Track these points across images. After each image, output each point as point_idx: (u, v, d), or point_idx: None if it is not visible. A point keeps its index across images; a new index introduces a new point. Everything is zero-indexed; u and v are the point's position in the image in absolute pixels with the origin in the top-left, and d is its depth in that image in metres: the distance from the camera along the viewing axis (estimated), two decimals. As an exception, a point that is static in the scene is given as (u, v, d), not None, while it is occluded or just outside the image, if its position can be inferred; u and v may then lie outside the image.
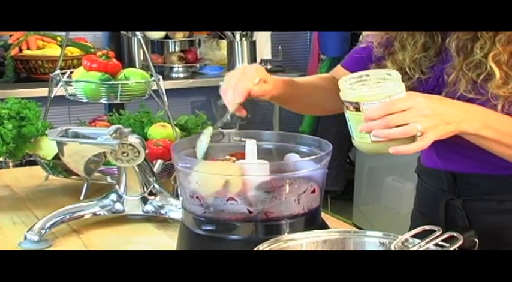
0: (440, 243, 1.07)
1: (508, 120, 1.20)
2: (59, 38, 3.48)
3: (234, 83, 1.30)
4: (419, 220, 1.45)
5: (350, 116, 1.18)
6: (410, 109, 1.11)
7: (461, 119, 1.14)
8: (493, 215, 1.32)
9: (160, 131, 1.88)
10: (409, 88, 1.33)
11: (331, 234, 1.17)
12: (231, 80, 1.32)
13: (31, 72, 3.39)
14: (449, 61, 1.29)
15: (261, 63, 3.98)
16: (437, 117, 1.12)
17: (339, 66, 1.54)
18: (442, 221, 1.38)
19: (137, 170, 1.56)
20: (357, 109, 1.16)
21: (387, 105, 1.12)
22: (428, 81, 1.33)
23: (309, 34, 4.55)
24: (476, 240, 1.14)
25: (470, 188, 1.33)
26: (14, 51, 3.37)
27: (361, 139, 1.18)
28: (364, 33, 1.44)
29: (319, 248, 1.15)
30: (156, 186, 1.60)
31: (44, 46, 3.46)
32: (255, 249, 1.09)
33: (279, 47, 4.12)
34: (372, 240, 1.15)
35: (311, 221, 1.27)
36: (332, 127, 3.86)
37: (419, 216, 1.48)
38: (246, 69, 1.34)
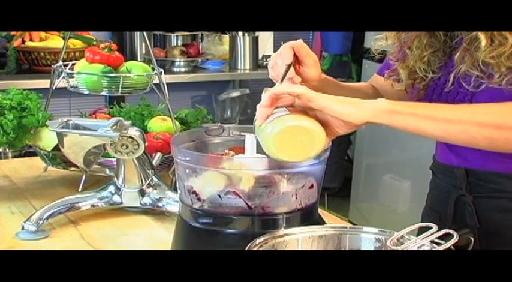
0: (435, 240, 1.07)
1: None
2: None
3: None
4: (430, 216, 1.45)
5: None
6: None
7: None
8: (502, 213, 1.32)
9: (160, 124, 1.89)
10: (425, 90, 1.36)
11: (327, 230, 1.18)
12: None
13: (33, 63, 3.39)
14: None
15: (262, 58, 3.98)
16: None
17: (375, 74, 1.56)
18: (450, 217, 1.38)
19: (136, 162, 1.56)
20: None
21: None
22: (441, 79, 1.34)
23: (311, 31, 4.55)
24: (472, 238, 1.15)
25: (482, 185, 1.33)
26: (16, 43, 3.37)
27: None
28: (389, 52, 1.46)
29: (315, 243, 1.15)
30: (155, 179, 1.61)
31: (47, 38, 3.46)
32: (251, 242, 1.10)
33: (281, 43, 4.10)
34: (368, 237, 1.15)
35: (308, 216, 1.28)
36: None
37: (430, 212, 1.48)
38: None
